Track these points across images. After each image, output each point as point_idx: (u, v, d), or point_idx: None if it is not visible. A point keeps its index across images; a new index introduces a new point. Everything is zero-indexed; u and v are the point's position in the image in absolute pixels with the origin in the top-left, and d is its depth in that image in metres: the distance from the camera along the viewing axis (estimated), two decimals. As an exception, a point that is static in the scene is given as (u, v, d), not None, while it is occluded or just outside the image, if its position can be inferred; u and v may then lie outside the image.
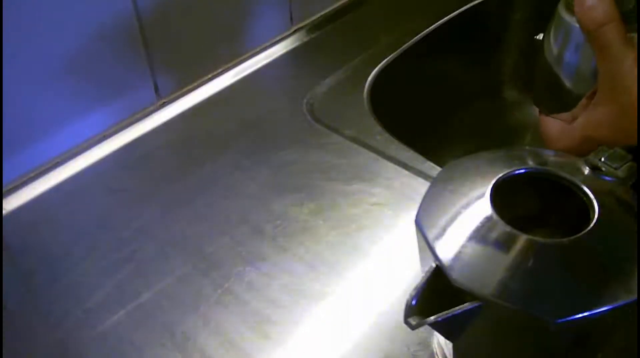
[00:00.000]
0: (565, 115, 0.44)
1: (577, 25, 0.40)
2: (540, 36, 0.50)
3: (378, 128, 0.58)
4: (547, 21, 0.50)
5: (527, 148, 0.37)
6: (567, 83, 0.48)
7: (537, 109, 0.53)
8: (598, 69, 0.38)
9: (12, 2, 0.48)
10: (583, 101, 0.44)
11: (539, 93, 0.53)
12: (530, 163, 0.34)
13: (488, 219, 0.30)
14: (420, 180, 0.52)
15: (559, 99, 0.49)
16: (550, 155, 0.36)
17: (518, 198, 0.33)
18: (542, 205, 0.35)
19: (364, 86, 0.64)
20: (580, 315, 0.28)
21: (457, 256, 0.30)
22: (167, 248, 0.48)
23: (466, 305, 0.29)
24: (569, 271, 0.29)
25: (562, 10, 0.48)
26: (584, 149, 0.35)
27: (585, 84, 0.47)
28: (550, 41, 0.49)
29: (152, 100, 0.62)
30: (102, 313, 0.44)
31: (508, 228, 0.30)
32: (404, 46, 0.69)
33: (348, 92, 0.64)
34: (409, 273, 0.45)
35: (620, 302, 0.28)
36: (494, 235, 0.30)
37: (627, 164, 0.34)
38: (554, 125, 0.44)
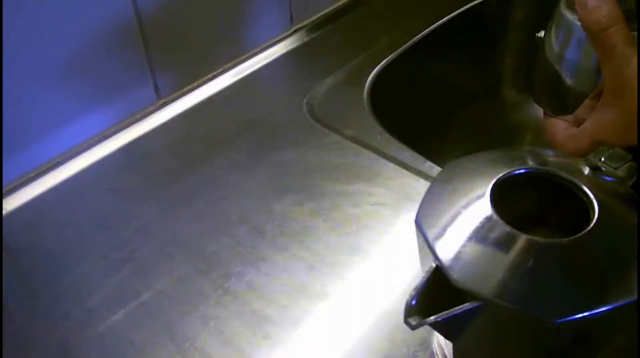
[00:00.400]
0: (569, 117, 0.44)
1: (579, 22, 0.40)
2: (541, 34, 0.50)
3: (378, 128, 0.58)
4: (548, 21, 0.50)
5: (527, 148, 0.37)
6: (569, 81, 0.48)
7: (537, 109, 0.53)
8: (602, 71, 0.38)
9: (12, 2, 0.48)
10: (587, 101, 0.43)
11: (539, 91, 0.53)
12: (530, 163, 0.34)
13: (488, 219, 0.30)
14: (420, 180, 0.52)
15: (560, 97, 0.49)
16: (550, 155, 0.36)
17: (518, 198, 0.33)
18: (542, 205, 0.35)
19: (364, 86, 0.64)
20: (580, 315, 0.28)
21: (457, 256, 0.30)
22: (167, 248, 0.48)
23: (466, 305, 0.29)
24: (569, 271, 0.29)
25: (563, 8, 0.47)
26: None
27: (588, 81, 0.47)
28: (551, 39, 0.49)
29: (152, 100, 0.62)
30: (102, 313, 0.44)
31: (508, 228, 0.30)
32: (404, 46, 0.69)
33: (348, 92, 0.64)
34: (409, 273, 0.45)
35: (620, 302, 0.28)
36: (494, 235, 0.30)
37: (627, 164, 0.34)
38: (560, 128, 0.43)
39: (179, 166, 0.56)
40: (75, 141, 0.57)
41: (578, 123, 0.42)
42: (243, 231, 0.49)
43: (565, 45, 0.47)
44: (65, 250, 0.48)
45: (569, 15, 0.46)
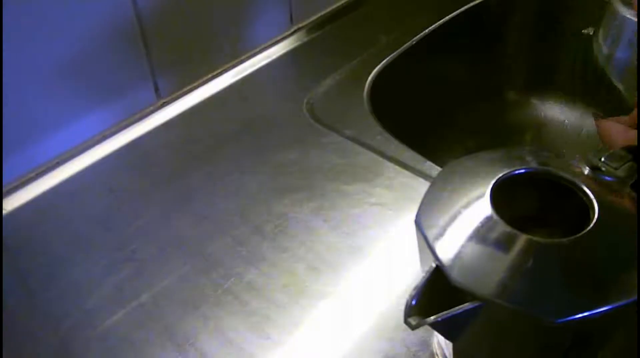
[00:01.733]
0: (624, 118, 0.41)
1: (634, 18, 0.38)
2: (590, 31, 0.48)
3: (378, 128, 0.58)
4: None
5: (527, 148, 0.37)
6: (619, 79, 0.46)
7: (537, 109, 0.53)
8: None
9: (12, 3, 0.48)
10: None
11: (588, 91, 0.50)
12: (530, 163, 0.34)
13: (488, 219, 0.30)
14: (420, 180, 0.52)
15: (611, 97, 0.47)
16: (550, 155, 0.36)
17: (518, 198, 0.33)
18: (542, 205, 0.35)
19: (364, 86, 0.64)
20: (580, 315, 0.28)
21: (457, 256, 0.30)
22: (167, 248, 0.48)
23: (466, 305, 0.29)
24: (569, 271, 0.29)
25: (616, 2, 0.45)
26: None
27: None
28: (600, 36, 0.47)
29: (152, 100, 0.62)
30: (102, 313, 0.44)
31: (508, 228, 0.30)
32: (404, 46, 0.69)
33: (348, 92, 0.64)
34: (409, 273, 0.45)
35: (620, 302, 0.28)
36: (494, 235, 0.30)
37: (627, 164, 0.34)
38: (619, 131, 0.40)
39: (179, 166, 0.56)
40: (75, 141, 0.57)
41: (635, 124, 0.39)
42: (243, 231, 0.49)
43: (616, 42, 0.45)
44: (66, 249, 0.48)
45: (624, 11, 0.44)
